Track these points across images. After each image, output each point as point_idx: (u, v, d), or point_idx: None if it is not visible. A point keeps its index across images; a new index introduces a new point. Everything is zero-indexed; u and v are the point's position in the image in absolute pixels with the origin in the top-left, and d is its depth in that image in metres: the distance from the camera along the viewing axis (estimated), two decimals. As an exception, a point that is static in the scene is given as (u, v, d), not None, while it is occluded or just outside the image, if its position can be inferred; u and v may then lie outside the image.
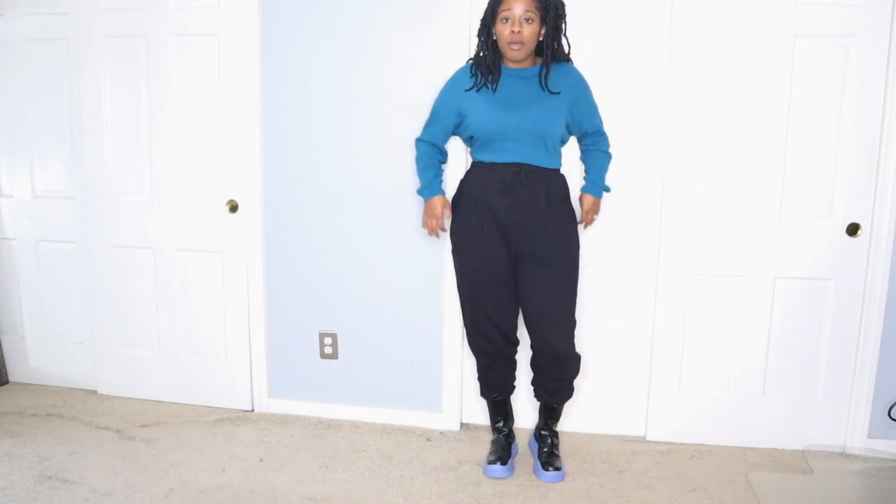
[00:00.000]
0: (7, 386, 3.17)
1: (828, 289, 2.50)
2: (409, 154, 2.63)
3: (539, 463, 2.36)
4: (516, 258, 2.27)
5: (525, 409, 2.66)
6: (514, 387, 2.50)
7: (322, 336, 2.81)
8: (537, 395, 2.43)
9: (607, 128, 2.43)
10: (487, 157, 2.25)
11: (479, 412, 2.75)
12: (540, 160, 2.22)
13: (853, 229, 2.44)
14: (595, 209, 2.41)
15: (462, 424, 2.78)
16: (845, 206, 2.44)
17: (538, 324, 2.29)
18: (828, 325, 2.52)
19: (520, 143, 2.20)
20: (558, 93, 2.20)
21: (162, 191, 2.85)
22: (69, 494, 2.21)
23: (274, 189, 2.76)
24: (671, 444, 2.63)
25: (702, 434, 2.63)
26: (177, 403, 2.97)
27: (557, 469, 2.33)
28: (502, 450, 2.42)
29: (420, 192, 2.45)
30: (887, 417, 2.53)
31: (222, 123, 2.75)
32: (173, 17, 2.72)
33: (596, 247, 2.58)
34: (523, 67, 2.23)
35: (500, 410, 2.50)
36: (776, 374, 2.57)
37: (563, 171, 2.33)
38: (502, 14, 2.13)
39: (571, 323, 2.33)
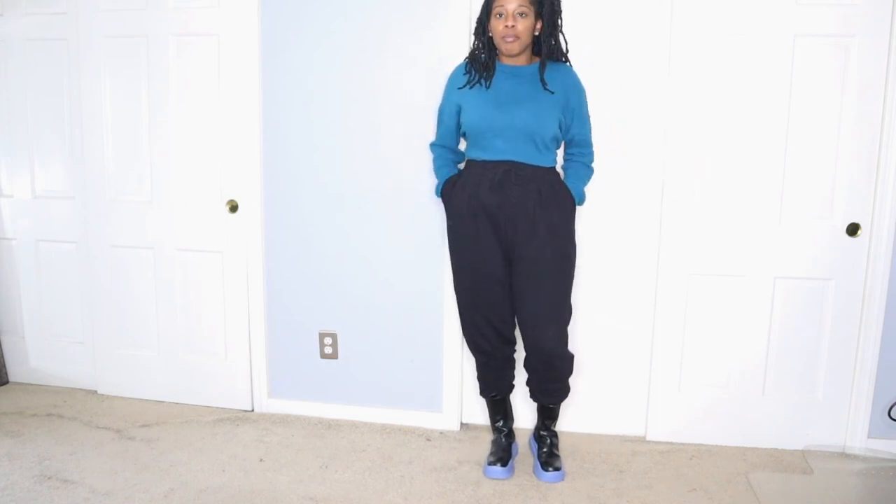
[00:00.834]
0: (7, 386, 3.17)
1: (828, 289, 2.50)
2: (409, 154, 2.63)
3: (539, 463, 2.36)
4: (510, 256, 2.27)
5: (524, 409, 2.65)
6: (512, 385, 2.50)
7: (322, 336, 2.81)
8: (533, 396, 2.43)
9: (608, 128, 2.43)
10: (479, 155, 2.25)
11: (479, 412, 2.75)
12: (531, 158, 2.20)
13: (853, 229, 2.44)
14: None
15: (462, 424, 2.78)
16: (845, 206, 2.44)
17: (528, 324, 2.28)
18: (828, 325, 2.52)
19: (509, 142, 2.19)
20: (553, 92, 2.19)
21: (162, 191, 2.85)
22: (69, 494, 2.21)
23: (274, 189, 2.76)
24: (671, 444, 2.63)
25: (702, 434, 2.63)
26: (177, 403, 2.97)
27: (557, 469, 2.33)
28: (502, 451, 2.42)
29: (435, 192, 2.42)
30: (887, 417, 2.53)
31: (222, 123, 2.75)
32: (173, 17, 2.72)
33: (596, 247, 2.58)
34: (519, 65, 2.23)
35: (500, 409, 2.50)
36: (776, 374, 2.57)
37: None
38: (496, 10, 2.14)
39: (563, 323, 2.30)
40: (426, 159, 2.60)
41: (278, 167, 2.74)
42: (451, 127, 2.35)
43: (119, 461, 2.44)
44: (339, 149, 2.69)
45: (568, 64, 2.29)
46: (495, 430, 2.51)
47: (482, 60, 2.23)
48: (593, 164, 2.35)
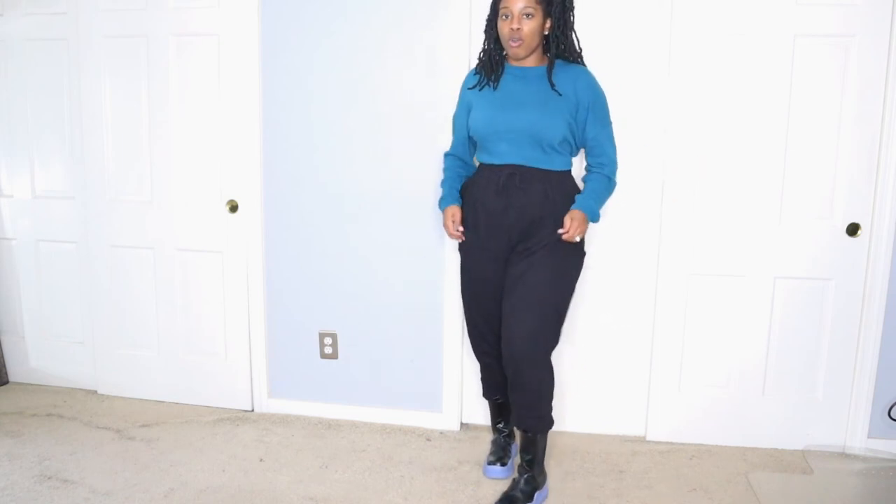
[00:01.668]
0: (7, 386, 3.17)
1: (828, 289, 2.50)
2: (409, 154, 2.63)
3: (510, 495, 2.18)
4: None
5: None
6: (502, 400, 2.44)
7: (322, 336, 2.81)
8: (513, 418, 2.29)
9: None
10: (486, 159, 2.21)
11: (479, 412, 2.75)
12: (537, 162, 2.13)
13: (853, 229, 2.44)
14: (578, 222, 2.09)
15: (462, 424, 2.78)
16: (845, 206, 2.44)
17: (504, 320, 2.12)
18: (828, 325, 2.52)
19: (513, 145, 2.13)
20: (562, 94, 2.11)
21: (162, 191, 2.85)
22: (69, 494, 2.21)
23: (274, 189, 2.76)
24: (671, 444, 2.63)
25: (702, 434, 2.63)
26: (177, 403, 2.97)
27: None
28: (502, 450, 2.41)
29: (438, 205, 2.36)
30: (887, 417, 2.53)
31: (222, 123, 2.75)
32: (173, 17, 2.72)
33: (596, 246, 2.58)
34: (528, 66, 2.16)
35: (503, 411, 2.48)
36: (776, 374, 2.57)
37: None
38: (502, 10, 2.07)
39: (542, 325, 2.09)
40: (426, 159, 2.60)
41: (278, 167, 2.74)
42: (463, 136, 2.30)
43: (119, 461, 2.44)
44: (339, 149, 2.69)
45: (582, 65, 2.20)
46: (496, 430, 2.51)
47: (490, 61, 2.17)
48: (616, 177, 2.21)
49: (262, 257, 2.80)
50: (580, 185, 2.24)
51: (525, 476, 2.19)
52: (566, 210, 2.13)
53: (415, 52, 2.58)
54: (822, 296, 2.51)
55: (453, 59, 2.53)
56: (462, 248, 2.32)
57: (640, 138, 2.52)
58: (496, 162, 2.17)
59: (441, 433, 2.72)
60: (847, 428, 2.56)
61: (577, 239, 2.11)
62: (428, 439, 2.67)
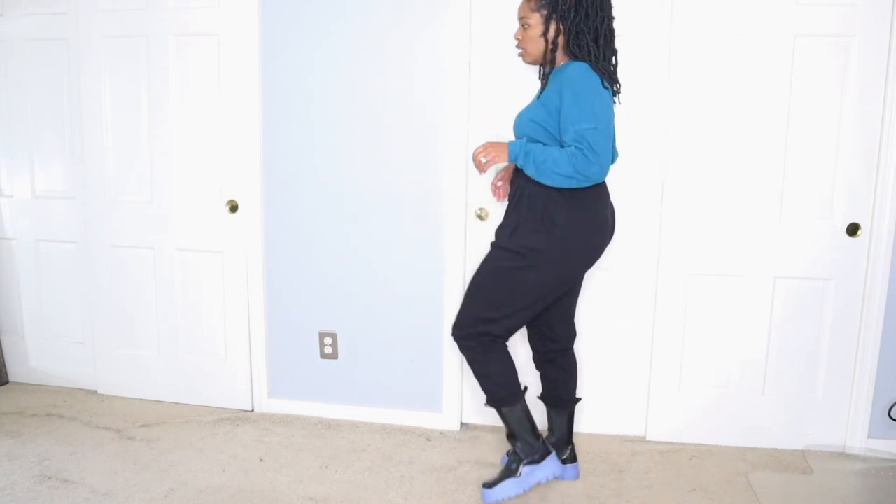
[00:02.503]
0: (7, 386, 3.17)
1: (828, 289, 2.50)
2: (409, 154, 2.63)
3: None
4: None
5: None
6: (544, 398, 2.39)
7: (322, 336, 2.81)
8: None
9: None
10: None
11: (478, 412, 2.75)
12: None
13: (853, 229, 2.44)
14: (491, 151, 2.00)
15: (462, 424, 2.78)
16: (845, 206, 2.44)
17: None
18: (828, 325, 2.52)
19: None
20: (548, 94, 2.02)
21: (162, 191, 2.85)
22: (69, 494, 2.21)
23: (274, 189, 2.76)
24: (671, 444, 2.63)
25: (702, 434, 2.63)
26: (177, 403, 2.97)
27: (488, 486, 2.20)
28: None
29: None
30: (887, 417, 2.53)
31: (222, 123, 2.75)
32: (173, 17, 2.72)
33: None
34: (558, 68, 2.03)
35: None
36: (776, 374, 2.57)
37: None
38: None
39: (473, 309, 2.11)
40: (426, 159, 2.61)
41: (278, 167, 2.74)
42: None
43: (119, 461, 2.44)
44: (339, 149, 2.69)
45: (580, 60, 1.99)
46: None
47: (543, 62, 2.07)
48: (580, 165, 1.89)
49: (262, 257, 2.80)
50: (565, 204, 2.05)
51: (507, 452, 2.32)
52: (535, 205, 2.04)
53: (415, 52, 2.58)
54: (822, 296, 2.51)
55: (453, 60, 2.53)
56: None
57: (640, 138, 2.52)
58: None
59: (441, 433, 2.72)
60: (847, 428, 2.56)
61: (484, 160, 2.00)
62: (428, 439, 2.67)
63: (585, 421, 2.69)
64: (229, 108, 2.73)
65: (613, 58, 2.04)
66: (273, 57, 2.68)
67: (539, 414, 2.36)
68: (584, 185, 1.95)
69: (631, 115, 2.49)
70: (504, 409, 2.20)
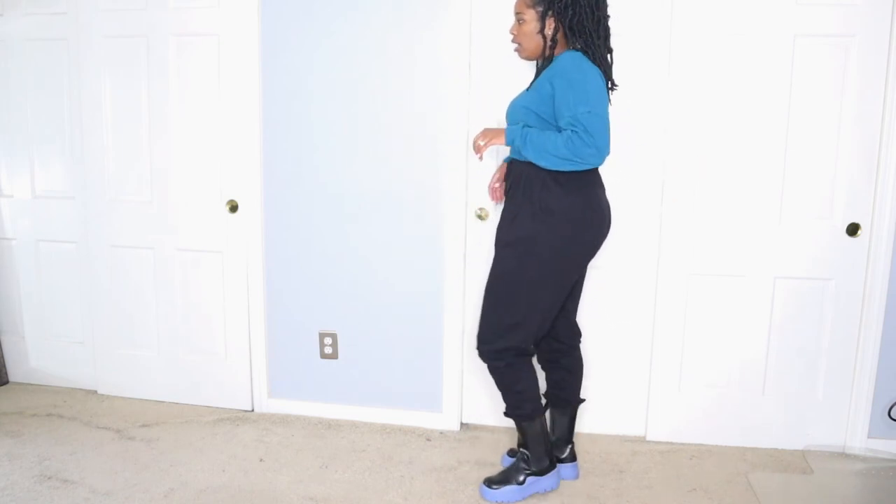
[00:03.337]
0: (7, 386, 3.17)
1: (828, 289, 2.50)
2: (409, 154, 2.63)
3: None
4: None
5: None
6: (546, 397, 2.38)
7: (322, 336, 2.81)
8: None
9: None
10: None
11: (478, 412, 2.75)
12: (515, 153, 2.11)
13: (853, 229, 2.44)
14: (488, 134, 2.06)
15: (462, 424, 2.78)
16: (845, 206, 2.44)
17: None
18: (828, 325, 2.52)
19: None
20: (540, 84, 2.02)
21: (162, 191, 2.85)
22: (69, 494, 2.21)
23: (274, 189, 2.76)
24: (671, 444, 2.63)
25: (702, 434, 2.63)
26: (177, 403, 2.97)
27: (489, 486, 2.22)
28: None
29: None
30: (887, 417, 2.53)
31: (222, 123, 2.75)
32: (173, 17, 2.72)
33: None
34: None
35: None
36: (776, 374, 2.57)
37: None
38: None
39: (492, 319, 2.12)
40: (426, 159, 2.60)
41: (278, 167, 2.74)
42: None
43: (119, 461, 2.44)
44: (339, 149, 2.69)
45: (577, 51, 2.00)
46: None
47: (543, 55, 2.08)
48: (576, 148, 1.88)
49: (262, 257, 2.80)
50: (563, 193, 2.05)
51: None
52: (524, 199, 2.05)
53: (415, 52, 2.58)
54: (822, 296, 2.51)
55: (453, 59, 2.53)
56: None
57: (640, 138, 2.52)
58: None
59: (441, 433, 2.72)
60: (847, 428, 2.56)
61: (482, 143, 2.06)
62: (428, 439, 2.67)
63: (586, 421, 2.69)
64: (229, 108, 2.73)
65: (609, 56, 2.05)
66: (273, 57, 2.68)
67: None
68: (581, 168, 1.95)
69: (631, 115, 2.50)
70: (524, 424, 2.21)
